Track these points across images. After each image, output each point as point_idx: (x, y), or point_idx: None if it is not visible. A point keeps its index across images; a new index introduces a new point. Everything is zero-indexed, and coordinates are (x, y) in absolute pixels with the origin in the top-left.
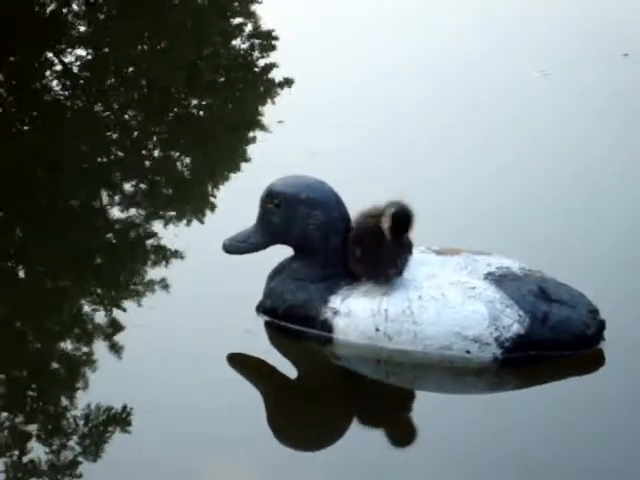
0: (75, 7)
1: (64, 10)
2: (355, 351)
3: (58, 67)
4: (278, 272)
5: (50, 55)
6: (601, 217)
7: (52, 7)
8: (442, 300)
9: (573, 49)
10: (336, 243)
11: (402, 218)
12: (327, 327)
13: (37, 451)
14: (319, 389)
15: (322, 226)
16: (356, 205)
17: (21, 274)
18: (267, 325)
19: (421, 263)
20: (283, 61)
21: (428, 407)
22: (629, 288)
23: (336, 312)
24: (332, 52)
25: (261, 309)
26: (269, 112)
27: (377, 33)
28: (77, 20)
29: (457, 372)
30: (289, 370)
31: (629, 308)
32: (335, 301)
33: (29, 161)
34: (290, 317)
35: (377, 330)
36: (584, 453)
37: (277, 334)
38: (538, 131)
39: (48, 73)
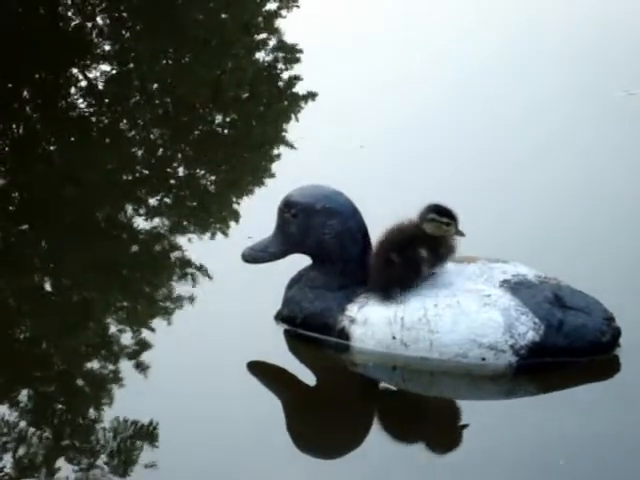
0: (100, 22)
1: (89, 26)
2: (372, 359)
3: (83, 83)
4: (296, 281)
5: (75, 72)
6: (617, 225)
7: (76, 23)
8: (457, 308)
9: None
10: (353, 252)
11: (447, 209)
12: (344, 335)
13: (65, 466)
14: (337, 397)
15: (338, 235)
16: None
17: (48, 289)
18: (286, 333)
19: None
20: (307, 75)
21: (444, 414)
22: None
23: (353, 320)
24: (360, 65)
25: (280, 317)
26: (292, 127)
27: (413, 47)
28: (102, 36)
29: (473, 379)
30: (307, 378)
31: None
32: (352, 309)
33: (55, 176)
34: (308, 325)
35: (394, 338)
36: (599, 459)
37: (295, 342)
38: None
39: (73, 90)
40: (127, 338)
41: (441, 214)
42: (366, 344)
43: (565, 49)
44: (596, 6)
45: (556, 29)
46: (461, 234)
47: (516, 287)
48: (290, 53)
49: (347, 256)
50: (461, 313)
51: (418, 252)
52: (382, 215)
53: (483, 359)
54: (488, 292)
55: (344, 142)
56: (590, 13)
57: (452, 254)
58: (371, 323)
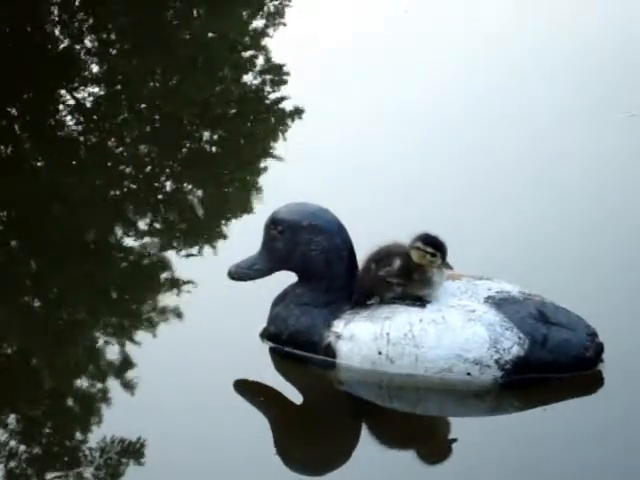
0: (88, 43)
1: (77, 46)
2: (358, 375)
3: (71, 102)
4: (282, 298)
5: (63, 91)
6: (601, 241)
7: (65, 44)
8: (443, 323)
9: None
10: (339, 269)
11: (437, 241)
12: (330, 351)
13: None
14: (324, 415)
15: (324, 252)
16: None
17: (36, 307)
18: (271, 351)
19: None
20: (294, 94)
21: (430, 431)
22: (627, 311)
23: (339, 336)
24: (351, 85)
25: (265, 335)
26: (280, 145)
27: (402, 66)
28: (90, 56)
29: (458, 395)
30: (294, 396)
31: (627, 330)
32: (338, 325)
33: (43, 195)
34: (294, 342)
35: (379, 353)
36: (584, 473)
37: (281, 360)
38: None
39: (62, 109)
40: (114, 356)
41: (426, 243)
42: (352, 360)
43: (566, 70)
44: (601, 26)
45: (557, 50)
46: (448, 267)
47: (500, 303)
48: (277, 71)
49: (333, 273)
50: (446, 328)
51: (390, 268)
52: (371, 234)
53: (468, 374)
54: (473, 307)
55: (338, 162)
56: (594, 33)
57: (426, 286)
58: (357, 339)
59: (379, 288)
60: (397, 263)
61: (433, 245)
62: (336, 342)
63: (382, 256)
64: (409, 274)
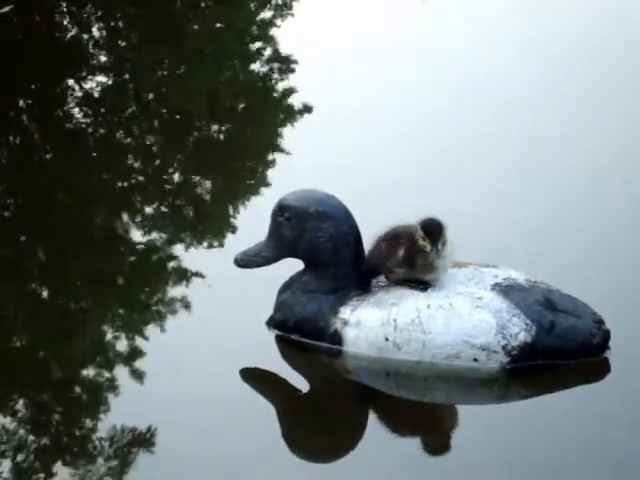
0: (96, 34)
1: (85, 37)
2: (365, 363)
3: (79, 94)
4: (288, 286)
5: (71, 82)
6: (606, 228)
7: (72, 33)
8: (450, 309)
9: None
10: (346, 255)
11: (431, 225)
12: (337, 338)
13: (62, 470)
14: (330, 401)
15: (332, 239)
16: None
17: (44, 298)
18: (278, 339)
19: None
20: (302, 85)
21: (438, 419)
22: (634, 298)
23: (346, 322)
24: (358, 77)
25: (272, 323)
26: (287, 136)
27: (409, 60)
28: (97, 47)
29: (465, 382)
30: (300, 384)
31: (634, 317)
32: (345, 312)
33: (51, 186)
34: (300, 329)
35: (386, 340)
36: (591, 459)
37: (288, 348)
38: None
39: (69, 100)
40: (122, 345)
41: (421, 228)
42: (359, 346)
43: (565, 56)
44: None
45: (556, 36)
46: (436, 254)
47: (507, 290)
48: (285, 62)
49: (340, 259)
50: (453, 315)
51: (395, 257)
52: (377, 221)
53: (475, 360)
54: (480, 294)
55: (344, 151)
56: (593, 19)
57: (429, 270)
58: (364, 325)
59: (385, 270)
60: (401, 252)
61: (425, 230)
62: (343, 328)
63: (391, 237)
64: (412, 260)
